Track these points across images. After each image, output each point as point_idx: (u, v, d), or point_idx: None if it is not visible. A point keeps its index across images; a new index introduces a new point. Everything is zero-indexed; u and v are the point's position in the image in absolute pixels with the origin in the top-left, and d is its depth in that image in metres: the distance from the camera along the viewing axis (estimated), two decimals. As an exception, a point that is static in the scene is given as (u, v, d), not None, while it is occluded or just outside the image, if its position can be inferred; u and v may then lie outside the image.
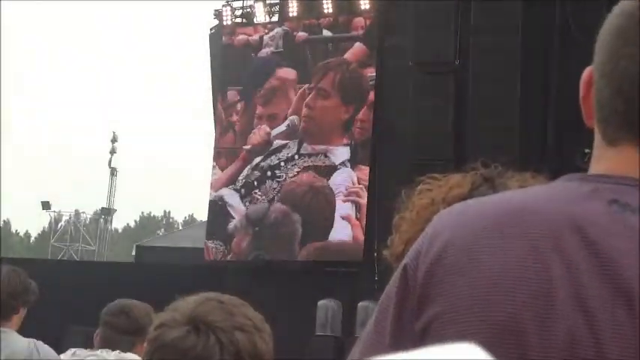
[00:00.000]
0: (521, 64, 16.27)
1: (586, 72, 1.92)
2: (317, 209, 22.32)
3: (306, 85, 22.47)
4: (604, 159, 1.89)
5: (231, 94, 23.71)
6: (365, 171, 21.62)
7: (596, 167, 1.89)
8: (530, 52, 16.86)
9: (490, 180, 2.65)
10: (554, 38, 16.70)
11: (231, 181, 23.47)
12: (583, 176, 1.89)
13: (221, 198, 23.61)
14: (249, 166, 23.18)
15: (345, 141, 22.04)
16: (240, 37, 23.08)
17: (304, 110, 22.55)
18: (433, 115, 17.27)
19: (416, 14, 17.31)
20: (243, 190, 23.28)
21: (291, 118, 22.86)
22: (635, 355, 1.68)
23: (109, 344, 5.42)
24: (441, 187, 2.74)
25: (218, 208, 23.44)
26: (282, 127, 23.03)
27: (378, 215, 19.86)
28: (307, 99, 22.48)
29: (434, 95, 17.48)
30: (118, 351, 4.75)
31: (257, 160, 23.06)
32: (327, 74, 22.29)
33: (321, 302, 20.17)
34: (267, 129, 23.17)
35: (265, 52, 23.13)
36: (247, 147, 23.33)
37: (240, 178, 23.29)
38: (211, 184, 23.95)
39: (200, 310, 2.64)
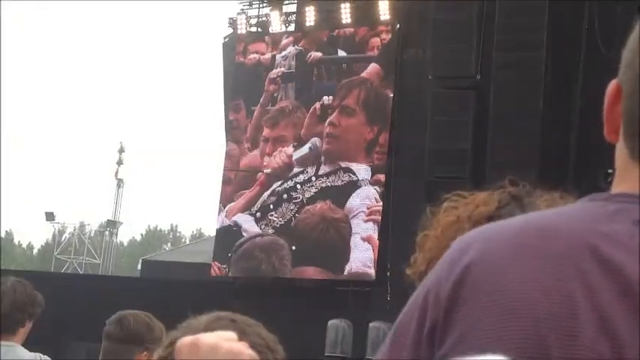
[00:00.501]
0: (545, 81, 16.26)
1: (612, 85, 1.90)
2: (329, 242, 22.35)
3: (318, 104, 22.48)
4: (630, 177, 1.87)
5: (242, 111, 23.72)
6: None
7: (621, 186, 1.87)
8: (555, 69, 16.82)
9: (518, 199, 2.65)
10: (580, 55, 16.68)
11: (247, 207, 23.48)
12: (608, 196, 1.87)
13: (236, 223, 23.57)
14: (267, 192, 23.19)
15: (367, 161, 22.04)
16: (252, 56, 23.02)
17: (328, 128, 22.54)
18: (451, 132, 17.21)
19: (436, 27, 17.33)
20: (258, 214, 23.28)
21: (312, 140, 22.82)
22: None
23: (108, 355, 5.46)
24: (467, 204, 2.75)
25: (231, 233, 23.40)
26: (305, 150, 23.01)
27: (392, 234, 19.87)
28: (331, 117, 22.45)
29: (453, 111, 17.46)
30: None
31: (276, 184, 23.11)
32: (351, 91, 22.26)
33: (331, 322, 20.07)
34: (290, 151, 23.19)
35: (276, 72, 23.11)
36: (268, 170, 23.33)
37: (257, 202, 23.32)
38: (227, 210, 23.87)
39: (212, 330, 2.52)
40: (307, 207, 22.36)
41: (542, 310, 1.74)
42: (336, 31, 21.25)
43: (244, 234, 23.18)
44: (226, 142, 23.45)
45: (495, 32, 16.70)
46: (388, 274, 20.07)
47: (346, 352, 19.79)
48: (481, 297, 1.79)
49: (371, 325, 17.86)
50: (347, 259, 21.70)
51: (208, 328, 2.55)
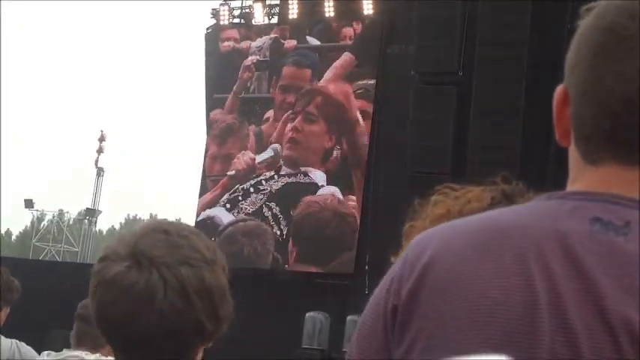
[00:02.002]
0: (526, 79, 16.33)
1: (559, 90, 1.94)
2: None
3: (290, 112, 22.53)
4: (583, 177, 1.90)
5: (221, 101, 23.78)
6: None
7: (575, 185, 1.91)
8: (536, 67, 16.89)
9: (511, 198, 2.66)
10: (562, 52, 16.65)
11: (211, 205, 23.65)
12: (563, 194, 1.90)
13: (208, 216, 23.69)
14: (227, 194, 23.41)
15: (322, 168, 22.19)
16: (226, 43, 23.03)
17: (290, 134, 22.60)
18: (433, 127, 17.28)
19: (420, 22, 17.37)
20: (228, 205, 23.39)
21: (273, 146, 22.91)
22: None
23: (82, 336, 5.43)
24: (458, 198, 2.75)
25: (207, 227, 23.21)
26: (269, 153, 23.07)
27: (371, 229, 19.92)
28: (294, 122, 22.53)
29: (435, 107, 17.50)
30: (83, 351, 4.74)
31: (237, 186, 23.28)
32: (314, 98, 22.34)
33: (309, 314, 20.15)
34: (252, 154, 23.26)
35: (251, 59, 23.06)
36: (231, 173, 23.48)
37: (220, 201, 23.52)
38: (198, 206, 24.05)
39: (143, 244, 2.58)
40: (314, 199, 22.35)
41: (503, 311, 1.75)
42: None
43: (218, 222, 23.33)
44: (207, 128, 23.37)
45: (478, 30, 16.77)
46: (366, 267, 20.15)
47: (323, 344, 19.88)
48: (437, 300, 1.79)
49: (348, 318, 17.91)
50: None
51: (139, 242, 2.59)
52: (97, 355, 4.95)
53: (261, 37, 22.47)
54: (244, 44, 22.81)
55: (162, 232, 2.61)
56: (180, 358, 2.57)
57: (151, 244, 2.56)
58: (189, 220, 25.02)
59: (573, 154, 1.93)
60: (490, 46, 16.68)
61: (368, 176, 20.63)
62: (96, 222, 65.91)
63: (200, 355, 2.66)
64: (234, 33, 22.79)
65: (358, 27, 21.08)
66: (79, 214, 65.64)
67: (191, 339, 2.56)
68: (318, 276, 21.43)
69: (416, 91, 17.85)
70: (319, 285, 21.28)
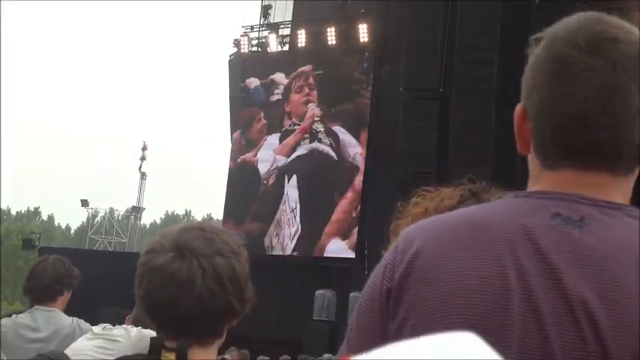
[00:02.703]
0: (496, 93, 16.31)
1: (519, 107, 1.95)
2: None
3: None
4: (542, 180, 1.92)
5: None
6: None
7: (536, 186, 1.92)
8: (504, 83, 16.92)
9: (477, 195, 2.64)
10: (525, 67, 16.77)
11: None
12: (527, 193, 1.92)
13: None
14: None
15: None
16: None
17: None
18: (419, 134, 17.27)
19: (408, 46, 17.33)
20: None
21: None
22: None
23: (139, 323, 5.32)
24: (433, 198, 2.74)
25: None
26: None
27: (369, 220, 19.94)
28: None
29: (420, 117, 17.39)
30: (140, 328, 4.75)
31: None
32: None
33: (318, 292, 20.44)
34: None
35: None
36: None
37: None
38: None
39: (184, 238, 2.61)
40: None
41: (479, 294, 1.76)
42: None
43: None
44: (230, 135, 23.09)
45: (456, 52, 16.74)
46: (365, 252, 20.19)
47: (331, 316, 20.24)
48: (423, 285, 1.80)
49: (351, 294, 17.96)
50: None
51: (180, 237, 2.62)
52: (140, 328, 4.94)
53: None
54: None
55: (199, 229, 2.64)
56: (213, 333, 2.58)
57: (190, 239, 2.59)
58: (219, 214, 24.71)
59: (533, 160, 1.94)
60: (465, 66, 16.65)
61: (366, 175, 20.60)
62: (140, 217, 66.03)
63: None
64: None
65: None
66: (127, 211, 65.79)
67: (223, 317, 2.57)
68: (326, 260, 21.43)
69: (404, 104, 17.81)
70: (327, 267, 21.34)
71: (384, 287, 1.86)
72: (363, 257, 20.22)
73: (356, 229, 21.13)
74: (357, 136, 20.99)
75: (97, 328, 4.72)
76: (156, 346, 2.57)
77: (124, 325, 4.75)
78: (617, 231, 1.80)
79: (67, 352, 4.71)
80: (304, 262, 21.75)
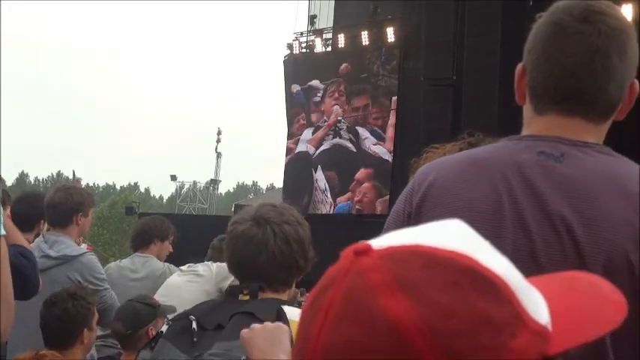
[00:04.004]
0: (499, 80, 16.18)
1: (519, 67, 1.99)
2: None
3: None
4: (533, 124, 1.95)
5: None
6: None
7: (528, 130, 1.96)
8: (507, 72, 16.69)
9: (474, 144, 2.62)
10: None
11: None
12: (519, 137, 1.95)
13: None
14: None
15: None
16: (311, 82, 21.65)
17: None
18: (437, 115, 17.17)
19: (426, 44, 17.25)
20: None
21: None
22: (559, 264, 1.72)
23: (211, 259, 5.38)
24: (438, 152, 2.76)
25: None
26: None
27: (399, 185, 19.85)
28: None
29: (437, 101, 17.28)
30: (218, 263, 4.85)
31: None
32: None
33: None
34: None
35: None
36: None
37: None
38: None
39: (261, 211, 2.65)
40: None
41: (479, 211, 1.82)
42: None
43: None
44: (287, 124, 22.97)
45: (465, 47, 16.61)
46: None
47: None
48: (436, 208, 1.88)
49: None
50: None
51: (258, 210, 2.67)
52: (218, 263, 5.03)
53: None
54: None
55: (271, 205, 2.69)
56: (283, 283, 2.60)
57: (265, 211, 2.63)
58: (280, 183, 24.29)
59: (527, 109, 1.98)
60: (473, 58, 16.51)
61: (395, 149, 20.48)
62: (217, 188, 66.62)
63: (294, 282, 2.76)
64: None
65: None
66: (206, 183, 66.28)
67: (290, 272, 2.60)
68: (366, 217, 21.24)
69: (425, 91, 17.69)
70: (368, 222, 21.22)
71: (405, 211, 1.94)
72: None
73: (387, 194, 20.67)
74: (379, 133, 20.57)
75: (184, 267, 4.92)
76: (236, 290, 2.59)
77: (205, 262, 4.85)
78: (590, 164, 1.82)
79: (164, 286, 4.91)
80: (356, 219, 21.21)
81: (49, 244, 4.97)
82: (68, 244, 5.02)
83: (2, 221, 2.38)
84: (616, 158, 1.89)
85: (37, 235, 5.18)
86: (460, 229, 0.87)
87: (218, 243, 5.43)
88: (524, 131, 1.98)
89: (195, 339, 2.31)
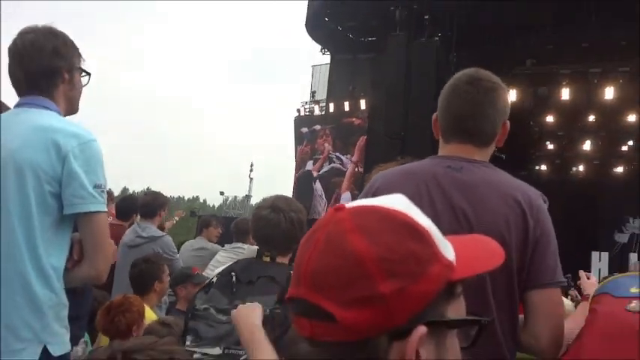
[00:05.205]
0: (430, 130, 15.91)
1: (433, 116, 1.88)
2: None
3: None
4: (443, 149, 1.86)
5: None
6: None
7: (440, 153, 1.87)
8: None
9: (403, 164, 2.30)
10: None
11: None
12: (435, 157, 1.85)
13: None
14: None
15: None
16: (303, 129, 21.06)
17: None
18: (391, 154, 16.81)
19: (385, 110, 17.02)
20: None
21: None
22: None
23: (234, 239, 5.09)
24: (383, 167, 2.54)
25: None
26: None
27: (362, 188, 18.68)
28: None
29: (394, 148, 16.68)
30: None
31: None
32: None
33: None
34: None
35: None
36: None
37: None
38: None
39: (275, 202, 2.46)
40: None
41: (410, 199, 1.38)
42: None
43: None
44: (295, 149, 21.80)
45: (409, 112, 16.62)
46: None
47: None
48: None
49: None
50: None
51: (274, 201, 2.47)
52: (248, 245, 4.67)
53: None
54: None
55: (285, 198, 2.52)
56: (287, 251, 2.39)
57: (279, 202, 2.46)
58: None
59: (440, 140, 1.88)
60: (415, 118, 16.56)
61: (364, 166, 19.62)
62: (250, 200, 63.59)
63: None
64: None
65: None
66: (243, 197, 62.41)
67: (293, 243, 2.39)
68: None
69: (384, 142, 17.35)
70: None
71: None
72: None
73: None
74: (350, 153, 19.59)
75: (227, 246, 5.00)
76: (260, 252, 2.40)
77: (244, 245, 4.86)
78: (478, 174, 1.76)
79: (214, 259, 4.83)
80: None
81: (141, 229, 4.87)
82: (154, 230, 4.92)
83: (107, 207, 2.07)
84: (495, 170, 1.81)
85: (132, 223, 5.08)
86: (401, 199, 0.80)
87: (242, 225, 5.03)
88: (440, 152, 1.87)
89: (234, 289, 2.21)
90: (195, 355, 2.01)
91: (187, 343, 2.10)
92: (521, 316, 1.72)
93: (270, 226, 2.35)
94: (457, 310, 0.76)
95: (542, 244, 1.67)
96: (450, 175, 1.74)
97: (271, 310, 2.02)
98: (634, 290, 1.52)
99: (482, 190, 1.70)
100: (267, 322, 1.88)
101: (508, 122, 1.85)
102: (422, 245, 0.74)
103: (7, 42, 2.03)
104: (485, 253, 0.82)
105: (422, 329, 0.71)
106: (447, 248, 0.76)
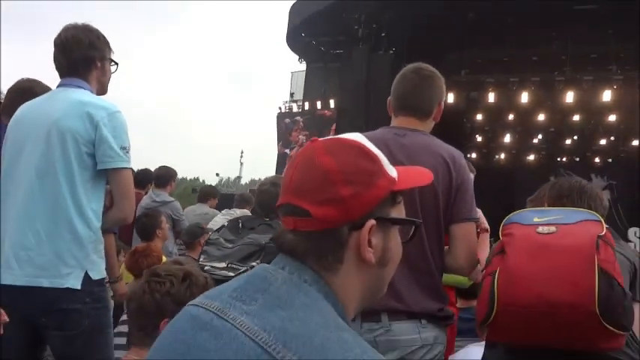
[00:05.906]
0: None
1: (388, 99, 1.86)
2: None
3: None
4: (394, 122, 1.86)
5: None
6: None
7: (392, 124, 1.85)
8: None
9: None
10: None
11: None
12: (387, 126, 1.84)
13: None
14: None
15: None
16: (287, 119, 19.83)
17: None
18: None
19: (350, 109, 15.72)
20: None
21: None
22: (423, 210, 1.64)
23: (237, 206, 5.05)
24: None
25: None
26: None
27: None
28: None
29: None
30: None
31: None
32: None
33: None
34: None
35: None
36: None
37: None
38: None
39: (274, 180, 2.46)
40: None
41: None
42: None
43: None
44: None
45: (371, 110, 16.62)
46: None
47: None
48: None
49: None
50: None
51: (273, 180, 2.45)
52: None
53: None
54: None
55: (280, 177, 2.35)
56: None
57: (277, 180, 2.44)
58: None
59: (392, 115, 1.87)
60: (376, 116, 16.43)
61: None
62: (240, 180, 62.53)
63: None
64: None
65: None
66: (235, 177, 63.20)
67: None
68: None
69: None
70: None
71: None
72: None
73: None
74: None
75: (224, 211, 4.99)
76: (260, 217, 2.33)
77: (237, 210, 4.85)
78: (417, 139, 1.77)
79: (213, 220, 4.73)
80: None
81: (155, 195, 4.91)
82: (165, 196, 4.95)
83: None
84: (430, 137, 1.80)
85: (147, 192, 5.04)
86: (359, 135, 0.80)
87: (246, 197, 5.10)
88: (392, 123, 1.85)
89: (240, 231, 2.23)
90: (206, 268, 2.05)
91: (200, 259, 2.14)
92: (446, 247, 1.75)
93: (271, 197, 2.33)
94: (398, 213, 0.80)
95: (462, 190, 1.72)
96: (395, 139, 1.75)
97: (266, 242, 2.08)
98: (536, 220, 1.56)
99: (417, 149, 1.72)
100: (262, 249, 1.97)
101: (442, 103, 1.85)
102: (372, 163, 0.78)
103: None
104: (419, 176, 0.86)
105: (372, 222, 0.76)
106: (391, 169, 0.80)
